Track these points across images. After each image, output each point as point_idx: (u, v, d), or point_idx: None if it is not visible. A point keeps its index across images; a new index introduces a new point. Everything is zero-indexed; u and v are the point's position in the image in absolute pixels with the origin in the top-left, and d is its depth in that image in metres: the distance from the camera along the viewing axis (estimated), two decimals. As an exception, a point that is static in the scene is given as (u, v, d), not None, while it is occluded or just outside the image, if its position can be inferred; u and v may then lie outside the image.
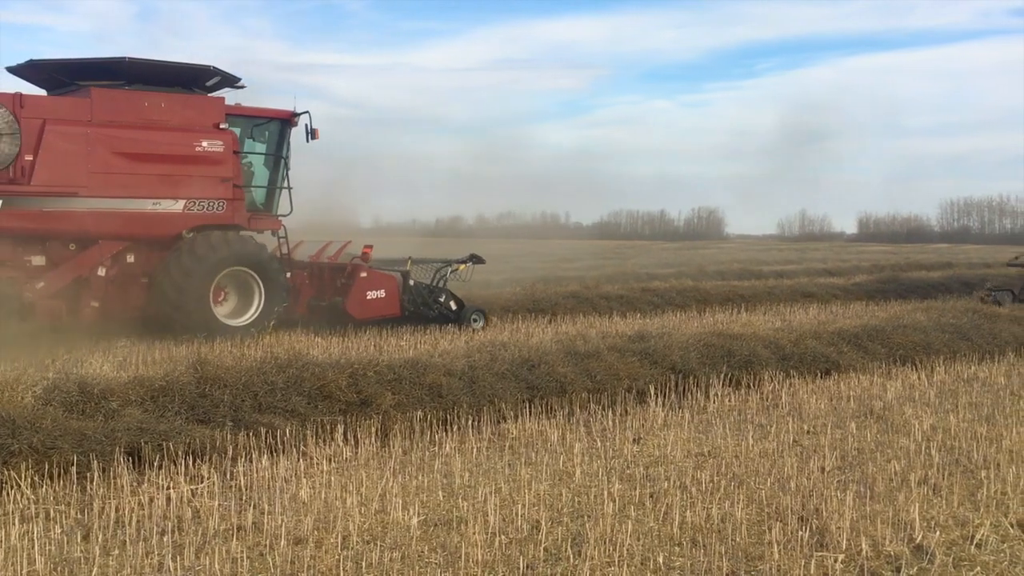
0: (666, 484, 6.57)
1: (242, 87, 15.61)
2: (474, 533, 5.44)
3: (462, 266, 16.71)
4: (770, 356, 11.03)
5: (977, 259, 42.90)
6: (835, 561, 5.12)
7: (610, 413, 8.84)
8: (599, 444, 7.80)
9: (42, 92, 14.83)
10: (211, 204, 14.79)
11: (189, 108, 14.80)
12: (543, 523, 5.71)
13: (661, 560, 5.15)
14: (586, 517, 5.88)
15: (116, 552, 5.31)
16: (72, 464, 6.59)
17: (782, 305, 20.09)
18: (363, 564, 5.12)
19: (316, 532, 5.60)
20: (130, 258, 14.36)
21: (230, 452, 7.20)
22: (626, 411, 9.04)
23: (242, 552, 5.25)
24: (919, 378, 10.81)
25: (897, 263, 39.52)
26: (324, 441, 7.65)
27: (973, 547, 5.40)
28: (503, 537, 5.51)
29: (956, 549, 5.37)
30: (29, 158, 13.26)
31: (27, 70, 14.67)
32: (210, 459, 7.09)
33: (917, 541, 5.45)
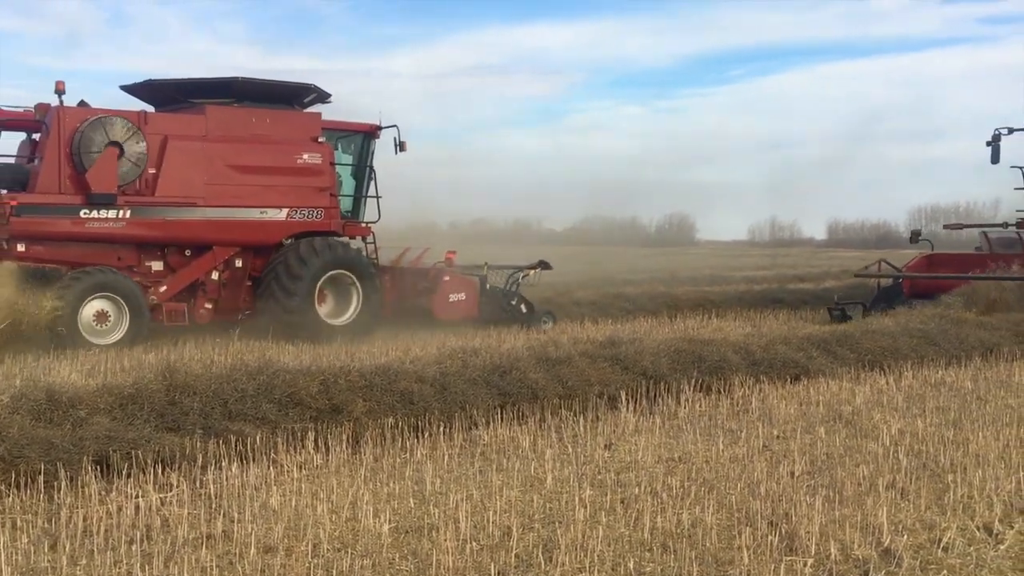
0: (637, 490, 6.58)
1: (329, 102, 16.81)
2: (445, 540, 5.44)
3: (532, 271, 18.17)
4: (740, 361, 11.09)
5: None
6: (804, 565, 5.15)
7: (581, 419, 8.85)
8: (570, 450, 7.81)
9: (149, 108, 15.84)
10: (311, 212, 16.03)
11: (290, 123, 16.12)
12: (514, 529, 5.70)
13: (632, 566, 5.17)
14: (557, 523, 5.89)
15: (84, 562, 5.26)
16: (39, 473, 6.53)
17: (752, 311, 20.20)
18: (333, 572, 5.10)
19: (286, 540, 5.57)
20: (238, 263, 15.59)
21: (200, 460, 7.15)
22: (597, 417, 9.05)
23: (211, 561, 5.22)
24: (887, 383, 10.90)
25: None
26: (295, 448, 7.62)
27: (940, 550, 5.44)
28: (474, 544, 5.50)
29: (923, 552, 5.42)
30: (153, 171, 14.66)
31: (141, 89, 15.92)
32: (179, 467, 7.04)
33: (885, 545, 5.49)
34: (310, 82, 16.26)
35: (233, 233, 15.35)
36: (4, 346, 12.57)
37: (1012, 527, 5.82)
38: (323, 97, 16.60)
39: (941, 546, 5.49)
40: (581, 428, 8.57)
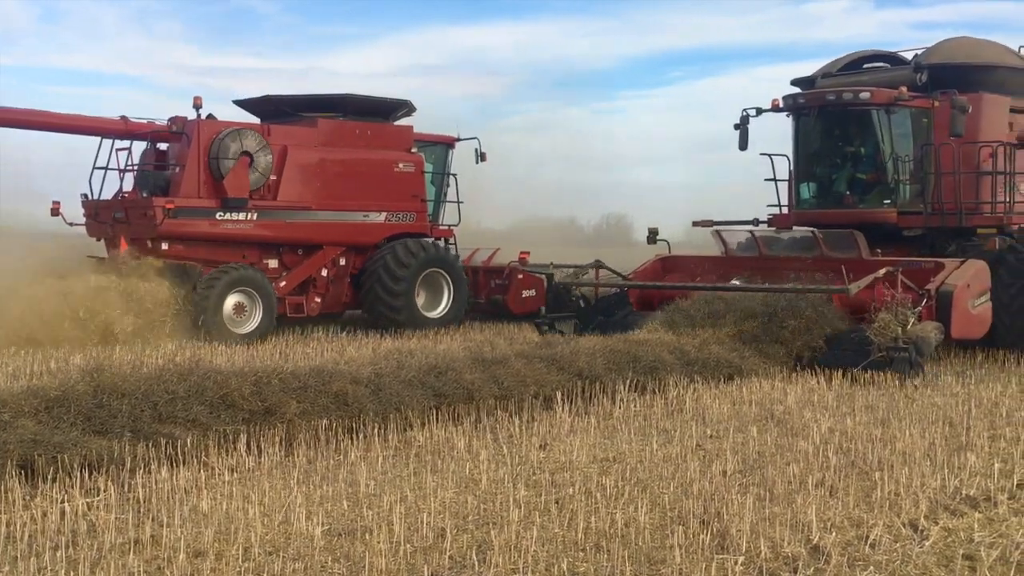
0: (571, 490, 6.61)
1: (413, 115, 18.68)
2: (379, 542, 5.40)
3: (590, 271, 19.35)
4: (675, 362, 11.15)
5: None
6: (735, 563, 5.20)
7: (517, 420, 8.86)
8: (505, 451, 7.81)
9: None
10: (405, 216, 17.80)
11: (388, 135, 17.91)
12: (448, 531, 5.69)
13: (565, 566, 5.18)
14: (491, 524, 5.88)
15: (6, 568, 5.13)
16: (-40, 478, 6.36)
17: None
18: (265, 576, 5.04)
19: (217, 544, 5.49)
20: (342, 261, 17.28)
21: (128, 464, 7.02)
22: (533, 417, 9.07)
23: (139, 566, 5.13)
24: (818, 382, 11.06)
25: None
26: (226, 451, 7.52)
27: (867, 547, 5.54)
28: (408, 546, 5.48)
29: (851, 549, 5.51)
30: (274, 178, 16.33)
31: (256, 103, 17.64)
32: (107, 471, 6.91)
33: (814, 542, 5.57)
34: (406, 98, 18.09)
35: (341, 234, 17.01)
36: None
37: (937, 523, 5.94)
38: (411, 111, 18.36)
39: (868, 543, 5.59)
40: (516, 429, 8.58)
